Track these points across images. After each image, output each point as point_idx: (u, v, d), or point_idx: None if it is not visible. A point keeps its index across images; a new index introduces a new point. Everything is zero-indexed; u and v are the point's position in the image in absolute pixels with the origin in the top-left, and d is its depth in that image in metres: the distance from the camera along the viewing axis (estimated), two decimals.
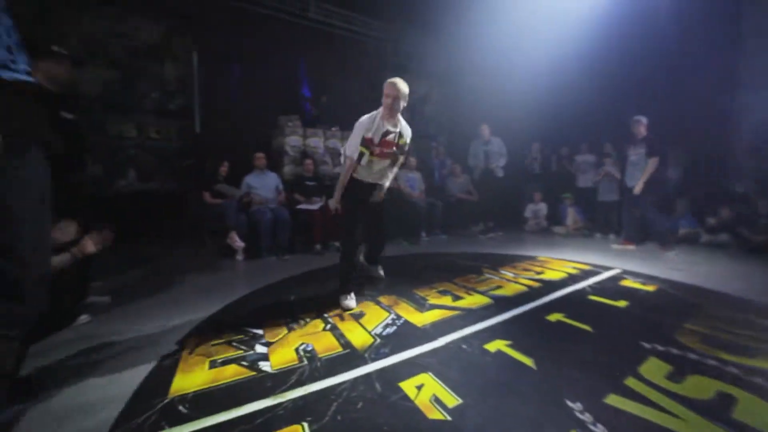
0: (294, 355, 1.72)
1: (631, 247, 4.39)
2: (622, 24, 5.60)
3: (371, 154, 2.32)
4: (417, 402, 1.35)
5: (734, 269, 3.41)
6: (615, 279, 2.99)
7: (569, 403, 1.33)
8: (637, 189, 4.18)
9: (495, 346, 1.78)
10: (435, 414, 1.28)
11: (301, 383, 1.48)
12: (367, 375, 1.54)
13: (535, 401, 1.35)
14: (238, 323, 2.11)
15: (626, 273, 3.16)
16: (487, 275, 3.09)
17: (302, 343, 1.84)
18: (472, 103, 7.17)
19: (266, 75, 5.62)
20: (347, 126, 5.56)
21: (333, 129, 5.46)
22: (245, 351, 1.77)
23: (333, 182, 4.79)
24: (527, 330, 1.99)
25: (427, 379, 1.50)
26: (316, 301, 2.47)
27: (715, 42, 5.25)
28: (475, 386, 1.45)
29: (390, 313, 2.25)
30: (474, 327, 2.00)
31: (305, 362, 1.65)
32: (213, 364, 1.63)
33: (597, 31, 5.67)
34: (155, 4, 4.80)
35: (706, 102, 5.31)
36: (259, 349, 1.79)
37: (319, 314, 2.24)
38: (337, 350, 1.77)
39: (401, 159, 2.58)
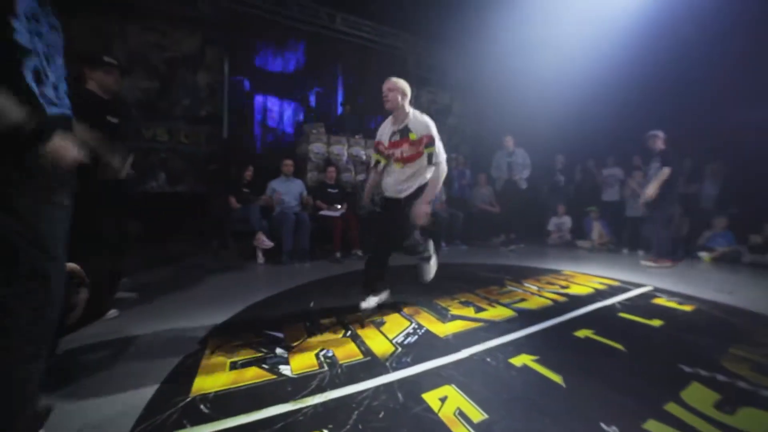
0: (314, 361, 1.70)
1: (668, 263, 4.18)
2: (652, 32, 5.44)
3: (387, 158, 2.30)
4: (441, 415, 1.30)
5: None
6: (647, 297, 2.84)
7: (604, 427, 1.25)
8: (649, 193, 4.15)
9: (521, 360, 1.70)
10: (460, 428, 1.22)
11: (321, 389, 1.45)
12: (389, 384, 1.50)
13: (567, 421, 1.27)
14: (258, 326, 2.12)
15: (659, 291, 3.00)
16: (510, 287, 3.00)
17: (322, 349, 1.82)
18: (496, 115, 7.13)
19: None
20: (371, 134, 5.70)
21: (357, 137, 5.51)
22: (266, 354, 1.76)
23: (354, 190, 4.84)
24: (554, 345, 1.90)
25: (450, 391, 1.44)
26: (336, 307, 2.45)
27: (753, 49, 5.02)
28: (501, 401, 1.38)
29: (411, 322, 2.20)
30: (498, 340, 1.93)
31: (326, 368, 1.63)
32: (234, 366, 1.63)
33: (625, 40, 5.53)
34: (193, 16, 5.05)
35: (746, 112, 5.06)
36: (280, 352, 1.78)
37: (339, 321, 2.22)
38: (357, 357, 1.74)
39: (425, 159, 2.20)
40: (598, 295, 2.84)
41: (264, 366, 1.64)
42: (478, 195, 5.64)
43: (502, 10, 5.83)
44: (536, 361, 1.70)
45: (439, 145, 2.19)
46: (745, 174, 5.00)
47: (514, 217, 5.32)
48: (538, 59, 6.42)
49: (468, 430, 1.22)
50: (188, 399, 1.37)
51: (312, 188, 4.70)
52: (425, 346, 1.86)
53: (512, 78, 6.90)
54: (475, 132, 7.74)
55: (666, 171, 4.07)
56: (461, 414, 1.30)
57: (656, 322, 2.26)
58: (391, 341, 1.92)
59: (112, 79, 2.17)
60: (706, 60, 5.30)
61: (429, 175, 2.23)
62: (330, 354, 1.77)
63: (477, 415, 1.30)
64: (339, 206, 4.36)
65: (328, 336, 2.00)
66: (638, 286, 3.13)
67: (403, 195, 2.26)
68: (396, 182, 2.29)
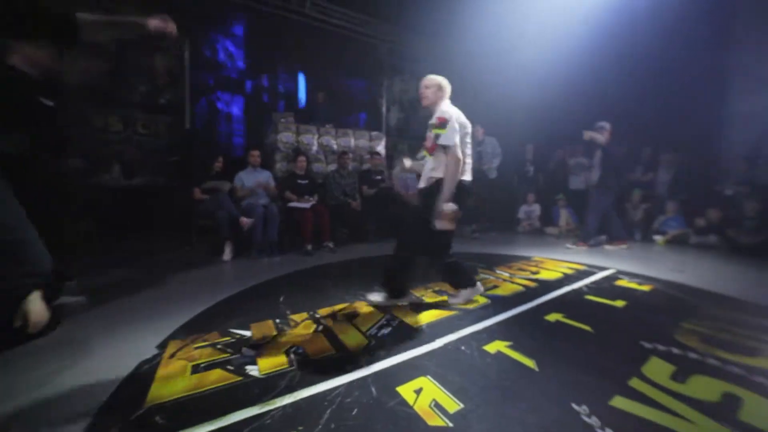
0: (284, 359, 1.62)
1: (624, 245, 4.41)
2: (615, 27, 5.64)
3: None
4: (416, 408, 1.27)
5: (723, 270, 3.43)
6: (610, 279, 2.97)
7: (575, 407, 1.27)
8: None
9: (494, 347, 1.71)
10: (436, 420, 1.20)
11: (291, 389, 1.38)
12: (363, 379, 1.46)
13: (541, 405, 1.29)
14: (224, 325, 2.00)
15: (621, 273, 3.15)
16: (483, 275, 3.03)
17: (292, 346, 1.74)
18: (467, 105, 7.16)
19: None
20: (342, 124, 5.56)
21: (327, 126, 5.36)
22: (231, 354, 1.66)
23: (326, 180, 4.72)
24: (527, 330, 1.93)
25: (425, 382, 1.42)
26: (308, 302, 2.37)
27: (707, 46, 5.34)
28: (476, 390, 1.37)
29: (385, 313, 2.17)
30: (472, 327, 1.93)
31: (296, 366, 1.56)
32: (196, 369, 1.52)
33: (591, 34, 5.70)
34: None
35: (697, 106, 5.40)
36: (247, 352, 1.68)
37: (310, 315, 2.14)
38: (329, 352, 1.68)
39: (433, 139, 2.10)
40: (567, 279, 2.94)
41: (229, 368, 1.54)
42: None
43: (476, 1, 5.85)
44: (510, 347, 1.71)
45: (451, 129, 2.05)
46: (693, 163, 5.35)
47: (485, 206, 5.40)
48: (509, 50, 6.50)
49: (444, 421, 1.20)
50: (142, 411, 1.25)
51: (281, 179, 4.53)
52: (399, 337, 1.83)
53: (483, 68, 6.94)
54: None
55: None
56: (437, 405, 1.28)
57: (619, 303, 2.36)
58: (364, 334, 1.88)
59: (44, 54, 1.90)
60: (661, 56, 5.57)
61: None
62: (301, 351, 1.70)
63: (453, 405, 1.28)
64: (310, 197, 4.24)
65: (298, 332, 1.92)
66: (602, 269, 3.27)
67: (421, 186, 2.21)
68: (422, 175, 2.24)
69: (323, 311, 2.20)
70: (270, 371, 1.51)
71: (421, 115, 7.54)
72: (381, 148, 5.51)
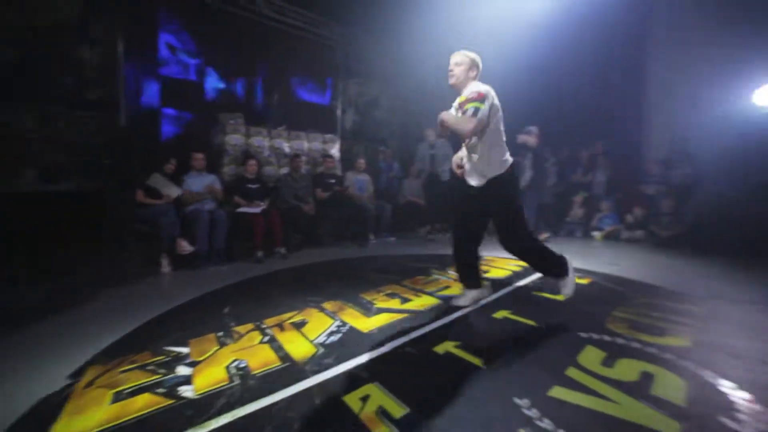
0: (224, 375, 1.51)
1: (545, 235, 4.90)
2: (558, 36, 6.04)
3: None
4: (362, 416, 1.23)
5: (648, 261, 3.80)
6: None
7: (517, 401, 1.31)
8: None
9: (443, 348, 1.73)
10: (380, 428, 1.17)
11: (229, 407, 1.28)
12: (308, 390, 1.40)
13: (485, 402, 1.31)
14: (157, 343, 1.83)
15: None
16: (436, 276, 3.08)
17: (235, 360, 1.63)
18: (422, 108, 7.29)
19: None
20: (296, 126, 5.40)
21: (279, 129, 5.18)
22: (163, 375, 1.52)
23: (278, 184, 4.55)
24: (475, 329, 1.98)
25: (372, 389, 1.39)
26: (255, 311, 2.25)
27: (628, 66, 5.95)
28: (423, 392, 1.37)
29: (335, 319, 2.11)
30: (422, 329, 1.94)
31: (237, 381, 1.46)
32: (118, 397, 1.36)
33: (537, 40, 6.03)
34: None
35: (624, 114, 5.97)
36: (182, 371, 1.55)
37: (256, 326, 2.03)
38: (274, 365, 1.59)
39: (468, 127, 1.87)
40: (515, 276, 3.07)
41: (159, 391, 1.40)
42: (407, 187, 5.74)
43: (431, 3, 5.98)
44: (458, 346, 1.74)
45: (488, 105, 1.89)
46: (624, 164, 5.90)
47: (438, 209, 5.53)
48: (469, 45, 6.70)
49: (389, 427, 1.17)
50: None
51: (229, 183, 4.30)
52: (348, 343, 1.79)
53: (437, 71, 7.10)
54: (403, 125, 7.86)
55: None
56: (383, 412, 1.25)
57: (561, 297, 2.48)
58: (312, 342, 1.81)
59: None
60: (598, 67, 6.09)
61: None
62: (243, 364, 1.59)
63: (399, 410, 1.26)
64: (261, 202, 4.05)
65: (242, 344, 1.81)
66: None
67: (487, 177, 2.01)
68: (473, 167, 2.04)
69: (270, 321, 2.09)
70: (207, 390, 1.40)
71: (377, 119, 7.59)
72: (335, 151, 5.44)
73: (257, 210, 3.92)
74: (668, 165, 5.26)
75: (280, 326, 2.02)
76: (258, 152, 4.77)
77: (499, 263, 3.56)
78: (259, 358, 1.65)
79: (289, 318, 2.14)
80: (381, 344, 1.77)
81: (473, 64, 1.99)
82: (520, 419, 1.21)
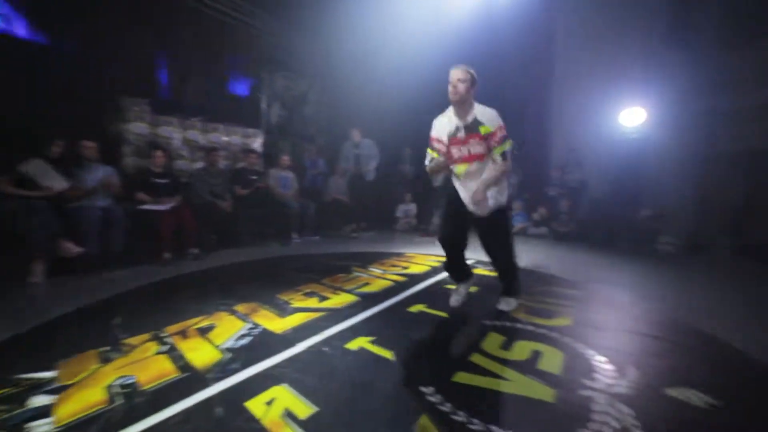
0: (102, 396, 1.31)
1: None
2: (482, 39, 6.49)
3: (443, 156, 2.03)
4: (266, 421, 1.17)
5: (548, 254, 4.31)
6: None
7: (422, 389, 1.36)
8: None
9: (357, 344, 1.73)
10: (285, 430, 1.13)
11: None
12: (208, 400, 1.28)
13: (393, 394, 1.34)
14: (9, 371, 1.49)
15: (478, 262, 3.61)
16: (357, 273, 3.10)
17: (120, 377, 1.43)
18: (350, 106, 7.28)
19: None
20: (214, 118, 4.96)
21: (193, 119, 4.73)
22: (9, 411, 1.23)
23: (192, 179, 4.15)
24: (390, 323, 2.02)
25: (280, 391, 1.33)
26: (154, 320, 2.01)
27: (536, 84, 6.71)
28: (332, 390, 1.35)
29: (246, 322, 1.99)
30: (337, 327, 1.93)
31: (119, 401, 1.27)
32: None
33: (461, 44, 6.38)
34: None
35: (532, 123, 6.72)
36: (39, 401, 1.29)
37: (154, 336, 1.81)
38: (170, 376, 1.44)
39: (498, 157, 1.93)
40: (433, 271, 3.23)
41: None
42: (333, 185, 5.68)
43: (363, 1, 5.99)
44: (372, 342, 1.76)
45: (510, 143, 1.95)
46: (532, 170, 6.63)
47: (362, 207, 5.58)
48: (387, 52, 6.83)
49: (293, 430, 1.13)
50: None
51: (132, 177, 3.79)
52: (259, 346, 1.70)
53: (367, 70, 7.15)
54: (331, 122, 7.76)
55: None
56: (289, 414, 1.21)
57: (473, 289, 2.68)
58: (218, 348, 1.68)
59: None
60: (514, 73, 6.72)
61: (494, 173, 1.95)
62: (130, 381, 1.40)
63: (306, 410, 1.23)
64: (169, 199, 3.65)
65: (133, 357, 1.60)
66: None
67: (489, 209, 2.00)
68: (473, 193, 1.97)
69: (172, 328, 1.89)
70: (72, 419, 1.19)
71: (306, 114, 7.38)
72: (257, 145, 5.15)
73: (164, 207, 3.52)
74: (565, 171, 6.04)
75: (183, 333, 1.83)
76: (167, 144, 4.30)
77: (420, 259, 3.71)
78: (152, 371, 1.48)
79: (195, 324, 1.96)
80: (293, 344, 1.71)
81: (474, 81, 1.96)
82: (425, 405, 1.26)
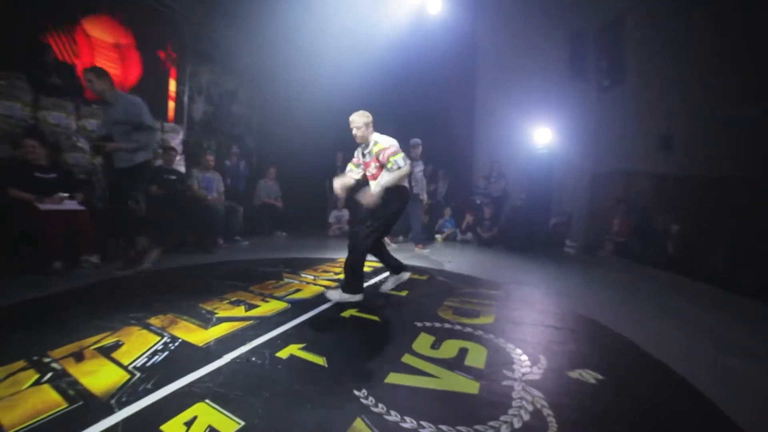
0: None
1: (427, 250, 4.93)
2: (401, 64, 6.80)
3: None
4: None
5: (473, 258, 4.66)
6: None
7: (356, 392, 1.36)
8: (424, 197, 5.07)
9: (287, 352, 1.66)
10: None
11: None
12: (112, 428, 1.11)
13: (326, 399, 1.32)
14: None
15: (410, 267, 3.74)
16: (287, 280, 2.98)
17: None
18: (283, 108, 7.03)
19: None
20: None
21: (94, 106, 4.10)
22: None
23: (91, 177, 3.60)
24: (322, 329, 1.99)
25: (202, 408, 1.22)
26: (34, 343, 1.67)
27: (462, 99, 7.28)
28: (261, 401, 1.28)
29: (162, 336, 1.78)
30: (267, 336, 1.83)
31: None
32: None
33: (384, 62, 6.61)
34: None
35: (458, 136, 7.25)
36: None
37: (32, 363, 1.49)
38: (56, 410, 1.20)
39: (391, 165, 2.41)
40: (365, 275, 3.24)
41: None
42: (264, 189, 5.41)
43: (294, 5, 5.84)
44: (303, 348, 1.70)
45: (401, 155, 2.41)
46: (459, 179, 7.12)
47: (296, 211, 5.42)
48: (322, 58, 6.76)
49: None
50: None
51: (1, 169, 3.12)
52: (177, 362, 1.53)
53: (301, 73, 6.98)
54: (262, 123, 7.40)
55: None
56: (212, 431, 1.11)
57: (404, 293, 2.77)
58: (126, 368, 1.47)
59: None
60: (441, 90, 7.16)
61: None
62: None
63: (232, 425, 1.14)
64: (64, 195, 3.10)
65: None
66: None
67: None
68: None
69: (60, 351, 1.59)
70: None
71: (233, 112, 6.94)
72: (177, 142, 4.68)
73: (58, 206, 3.00)
74: (489, 181, 6.60)
75: (78, 355, 1.56)
76: (55, 131, 3.65)
77: None
78: (25, 407, 1.21)
79: (95, 342, 1.68)
80: (218, 356, 1.58)
81: (370, 122, 2.49)
82: (357, 408, 1.26)
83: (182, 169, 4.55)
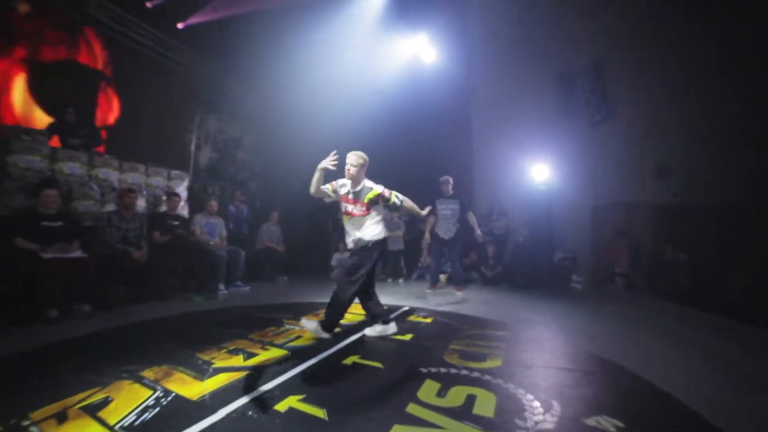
0: None
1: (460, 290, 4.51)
2: (398, 110, 7.11)
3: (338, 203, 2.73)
4: None
5: (478, 297, 4.54)
6: (404, 315, 3.38)
7: None
8: (478, 233, 4.45)
9: (286, 404, 1.57)
10: None
11: None
12: None
13: None
14: None
15: (413, 310, 3.64)
16: (288, 326, 2.89)
17: None
18: (286, 152, 7.27)
19: None
20: (135, 157, 4.53)
21: (107, 156, 4.28)
22: None
23: (99, 224, 3.65)
24: (323, 378, 1.90)
25: None
26: (14, 403, 1.56)
27: (460, 140, 7.55)
28: None
29: (155, 389, 1.70)
30: (265, 386, 1.74)
31: None
32: None
33: (382, 108, 6.92)
34: None
35: (460, 181, 7.38)
36: None
37: (10, 426, 1.39)
38: None
39: (396, 201, 2.69)
40: (367, 320, 3.15)
41: None
42: (266, 233, 5.45)
43: (300, 49, 6.26)
44: (302, 400, 1.61)
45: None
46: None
47: (298, 255, 5.40)
48: (326, 105, 7.11)
49: None
50: None
51: (11, 219, 3.18)
52: (168, 419, 1.44)
53: (304, 119, 7.30)
54: (266, 167, 7.63)
55: (472, 214, 4.49)
56: None
57: (408, 336, 2.68)
58: (112, 428, 1.38)
59: None
60: (436, 143, 7.44)
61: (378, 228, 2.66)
62: None
63: None
64: (68, 245, 3.13)
65: None
66: (399, 307, 3.70)
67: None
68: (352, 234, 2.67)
69: (43, 411, 1.49)
70: None
71: (238, 158, 7.18)
72: (182, 188, 4.80)
73: (64, 255, 3.02)
74: (490, 218, 6.61)
75: (61, 416, 1.47)
76: (70, 180, 3.77)
77: (355, 308, 3.55)
78: None
79: (82, 400, 1.60)
80: (212, 411, 1.49)
81: (365, 164, 2.62)
82: None
83: (185, 214, 4.61)
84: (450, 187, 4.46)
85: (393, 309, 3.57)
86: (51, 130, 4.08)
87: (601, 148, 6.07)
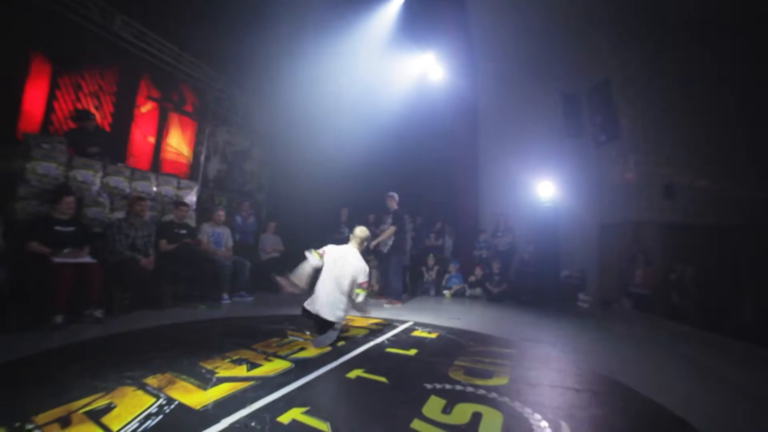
0: None
1: (399, 304, 4.73)
2: (405, 125, 7.21)
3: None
4: None
5: (483, 314, 4.48)
6: (408, 330, 3.34)
7: None
8: (372, 244, 4.65)
9: (290, 416, 1.55)
10: None
11: None
12: None
13: None
14: None
15: (417, 324, 3.60)
16: (292, 337, 2.87)
17: None
18: (293, 164, 7.38)
19: None
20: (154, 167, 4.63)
21: (120, 165, 4.36)
22: None
23: (108, 230, 3.69)
24: (327, 391, 1.88)
25: None
26: (17, 405, 1.56)
27: (466, 158, 7.64)
28: None
29: (158, 397, 1.68)
30: (268, 398, 1.72)
31: None
32: None
33: (390, 123, 7.02)
34: None
35: (465, 191, 7.45)
36: None
37: (13, 430, 1.38)
38: None
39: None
40: (371, 334, 3.12)
41: None
42: (266, 242, 5.48)
43: (310, 67, 6.42)
44: (306, 413, 1.59)
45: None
46: (465, 234, 7.14)
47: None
48: (334, 120, 7.25)
49: None
50: None
51: (25, 224, 3.24)
52: (171, 427, 1.43)
53: (312, 133, 7.43)
54: (272, 179, 7.72)
55: (392, 229, 4.69)
56: None
57: (412, 351, 2.64)
58: None
59: None
60: (444, 147, 7.51)
61: None
62: None
63: None
64: (79, 250, 3.18)
65: None
66: (403, 322, 3.66)
67: None
68: None
69: (46, 415, 1.48)
70: None
71: (246, 169, 7.29)
72: (191, 198, 4.86)
73: (74, 260, 3.06)
74: (495, 235, 6.59)
75: (64, 420, 1.46)
76: (82, 188, 3.84)
77: (357, 322, 3.58)
78: None
79: (85, 405, 1.59)
80: (215, 421, 1.47)
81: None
82: None
83: (193, 223, 4.65)
84: (392, 202, 4.76)
85: (394, 325, 3.54)
86: (71, 137, 4.17)
87: (607, 167, 6.10)
